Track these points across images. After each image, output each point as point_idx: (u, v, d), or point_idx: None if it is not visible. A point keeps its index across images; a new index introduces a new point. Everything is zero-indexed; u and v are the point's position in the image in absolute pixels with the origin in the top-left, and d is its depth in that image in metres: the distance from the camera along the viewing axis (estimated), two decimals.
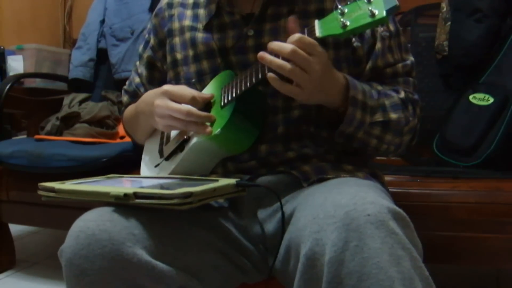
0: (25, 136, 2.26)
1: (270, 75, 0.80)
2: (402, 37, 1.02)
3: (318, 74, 0.79)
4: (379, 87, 0.94)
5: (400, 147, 0.98)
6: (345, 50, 0.95)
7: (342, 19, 0.76)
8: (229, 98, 0.90)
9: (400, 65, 0.99)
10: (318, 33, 0.80)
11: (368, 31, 0.96)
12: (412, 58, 1.02)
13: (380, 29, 0.96)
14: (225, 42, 0.99)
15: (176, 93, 0.93)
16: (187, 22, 1.05)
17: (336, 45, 0.95)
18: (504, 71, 1.63)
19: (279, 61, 0.79)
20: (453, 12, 1.77)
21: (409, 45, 1.88)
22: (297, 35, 0.78)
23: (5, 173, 1.75)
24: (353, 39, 0.79)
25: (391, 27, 1.00)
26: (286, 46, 0.78)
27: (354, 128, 0.89)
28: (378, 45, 0.97)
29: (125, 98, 1.20)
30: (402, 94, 0.95)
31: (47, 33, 2.70)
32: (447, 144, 1.63)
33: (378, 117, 0.90)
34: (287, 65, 0.78)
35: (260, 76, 0.84)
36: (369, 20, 0.73)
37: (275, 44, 0.79)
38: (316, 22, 0.80)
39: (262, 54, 0.81)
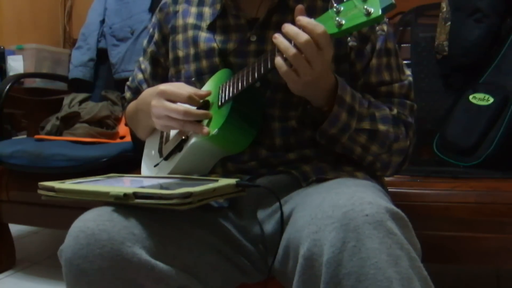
0: (25, 136, 2.26)
1: (277, 39, 0.79)
2: (400, 57, 1.00)
3: (319, 69, 0.79)
4: (372, 99, 0.93)
5: (388, 167, 0.95)
6: (344, 64, 0.95)
7: (337, 18, 0.75)
8: (226, 98, 0.90)
9: (396, 85, 0.97)
10: None
11: (368, 47, 0.96)
12: (410, 78, 1.00)
13: (376, 28, 0.96)
14: (227, 45, 0.98)
15: (172, 93, 0.92)
16: (191, 20, 1.05)
17: (337, 58, 0.94)
18: (504, 71, 1.63)
19: (287, 43, 0.78)
20: (453, 12, 1.77)
21: (409, 45, 1.88)
22: (316, 25, 0.76)
23: (5, 173, 1.75)
24: (349, 38, 0.79)
25: (390, 45, 0.98)
26: (302, 36, 0.76)
27: (338, 130, 0.87)
28: (373, 61, 0.96)
29: (128, 94, 1.20)
30: (395, 112, 0.93)
31: (47, 33, 2.70)
32: (447, 144, 1.63)
33: (365, 125, 0.89)
34: (293, 49, 0.77)
35: (257, 75, 0.84)
36: (364, 19, 0.72)
37: (292, 30, 0.78)
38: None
39: (276, 34, 0.80)
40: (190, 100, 0.91)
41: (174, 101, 0.92)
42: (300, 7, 0.81)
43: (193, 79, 1.02)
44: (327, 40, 0.77)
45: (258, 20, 0.97)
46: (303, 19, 0.77)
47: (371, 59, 0.96)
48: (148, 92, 1.02)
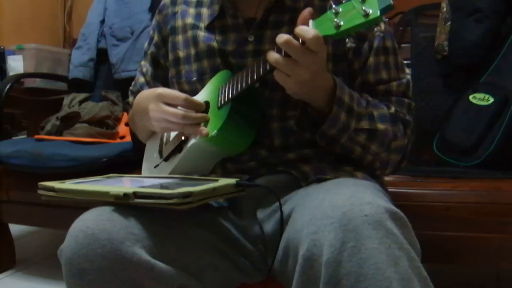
0: (25, 136, 2.26)
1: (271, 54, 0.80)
2: (399, 56, 1.00)
3: (313, 69, 0.79)
4: (369, 98, 0.93)
5: (387, 165, 0.95)
6: (342, 63, 0.95)
7: (336, 19, 0.75)
8: (226, 99, 0.90)
9: (394, 83, 0.97)
10: None
11: (366, 46, 0.95)
12: (408, 77, 1.00)
13: (375, 30, 0.96)
14: (226, 45, 0.99)
15: (169, 95, 0.93)
16: (189, 20, 1.05)
17: (335, 57, 0.94)
18: (504, 71, 1.63)
19: (272, 52, 0.79)
20: (453, 12, 1.77)
21: (409, 45, 1.88)
22: (306, 31, 0.77)
23: (5, 173, 1.75)
24: (347, 40, 0.78)
25: (388, 43, 0.98)
26: (280, 36, 0.78)
27: (337, 130, 0.87)
28: (371, 59, 0.96)
29: (131, 99, 1.20)
30: (392, 110, 0.93)
31: (47, 33, 2.70)
32: (447, 144, 1.63)
33: (364, 124, 0.89)
34: (275, 55, 0.78)
35: (255, 77, 0.84)
36: (362, 20, 0.72)
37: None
38: (310, 22, 0.79)
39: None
40: (186, 102, 0.92)
41: (171, 104, 0.93)
42: (308, 10, 0.80)
43: (194, 79, 1.02)
44: (318, 43, 0.77)
45: (256, 20, 0.97)
46: (296, 29, 0.78)
47: (369, 58, 0.96)
48: (143, 96, 1.02)
